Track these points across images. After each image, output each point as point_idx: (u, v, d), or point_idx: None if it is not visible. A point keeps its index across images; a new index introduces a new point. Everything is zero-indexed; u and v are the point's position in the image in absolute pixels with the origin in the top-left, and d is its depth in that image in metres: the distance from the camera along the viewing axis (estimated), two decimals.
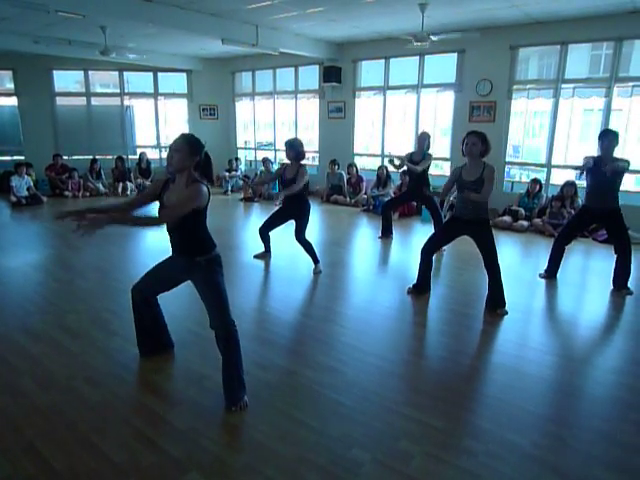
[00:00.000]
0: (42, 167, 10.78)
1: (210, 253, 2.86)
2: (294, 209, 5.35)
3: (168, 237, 2.93)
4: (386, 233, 7.14)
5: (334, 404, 2.88)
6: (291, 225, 5.41)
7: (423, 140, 6.41)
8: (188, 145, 2.72)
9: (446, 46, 8.15)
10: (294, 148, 5.22)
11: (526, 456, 2.44)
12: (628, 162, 4.69)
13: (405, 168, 6.54)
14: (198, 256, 2.83)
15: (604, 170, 4.55)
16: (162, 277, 3.15)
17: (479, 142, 4.10)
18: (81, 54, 9.73)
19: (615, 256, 4.99)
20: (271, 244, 5.90)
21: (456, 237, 4.59)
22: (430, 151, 6.45)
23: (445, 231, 4.65)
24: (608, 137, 4.68)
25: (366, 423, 2.70)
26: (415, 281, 4.78)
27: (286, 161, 5.47)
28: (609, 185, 4.72)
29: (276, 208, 5.74)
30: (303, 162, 5.31)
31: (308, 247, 5.44)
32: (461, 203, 4.30)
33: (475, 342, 3.87)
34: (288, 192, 5.13)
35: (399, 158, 6.54)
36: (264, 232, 5.74)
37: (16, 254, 6.08)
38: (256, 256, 5.94)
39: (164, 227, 2.92)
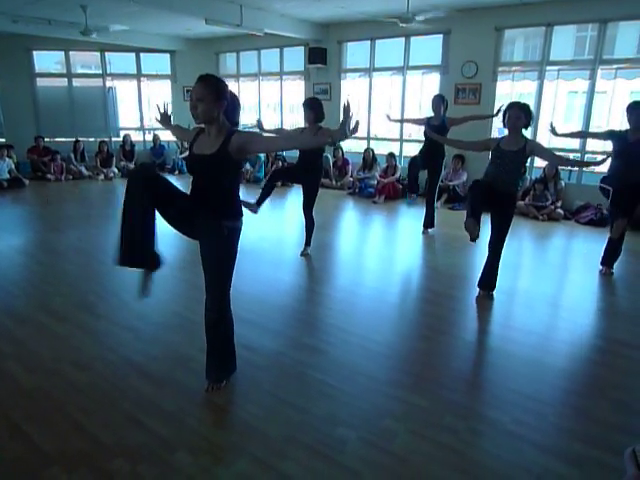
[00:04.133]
0: (23, 149, 10.60)
1: (237, 220, 2.61)
2: (306, 174, 5.06)
3: (192, 197, 2.60)
4: (413, 190, 6.64)
5: (320, 384, 2.92)
6: (279, 209, 5.39)
7: (438, 104, 6.05)
8: (211, 91, 2.39)
9: (432, 27, 8.10)
10: (314, 109, 4.87)
11: (507, 432, 2.50)
12: None
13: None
14: (226, 220, 2.55)
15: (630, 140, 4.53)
16: (180, 210, 2.61)
17: (523, 115, 3.94)
18: (61, 34, 9.49)
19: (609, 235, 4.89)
20: (255, 225, 5.66)
21: (487, 201, 4.05)
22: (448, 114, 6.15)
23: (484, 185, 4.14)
24: (637, 111, 4.57)
25: (351, 402, 2.75)
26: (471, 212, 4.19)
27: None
28: (636, 157, 4.56)
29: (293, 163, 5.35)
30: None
31: (310, 225, 5.30)
32: (494, 175, 4.09)
33: (458, 323, 3.94)
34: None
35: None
36: (273, 178, 5.33)
37: None
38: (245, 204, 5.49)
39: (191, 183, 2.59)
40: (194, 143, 2.60)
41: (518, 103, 4.04)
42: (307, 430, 2.50)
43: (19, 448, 2.34)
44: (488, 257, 4.26)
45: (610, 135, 4.84)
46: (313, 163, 5.05)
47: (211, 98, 2.39)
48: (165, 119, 3.23)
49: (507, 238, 4.15)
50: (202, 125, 2.57)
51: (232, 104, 2.54)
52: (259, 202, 5.22)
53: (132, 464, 2.25)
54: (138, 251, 2.61)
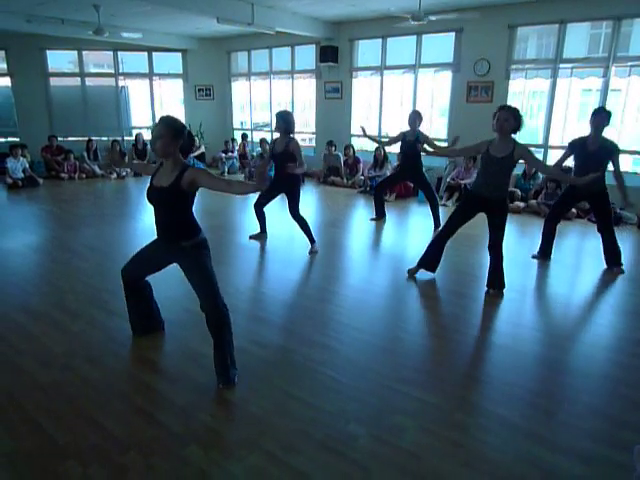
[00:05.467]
0: (37, 148, 10.73)
1: (196, 237, 2.85)
2: (284, 183, 5.31)
3: (154, 221, 2.94)
4: (379, 214, 7.10)
5: (330, 380, 2.94)
6: (286, 206, 5.42)
7: (414, 119, 6.28)
8: (169, 129, 2.68)
9: (443, 25, 8.07)
10: (284, 120, 5.22)
11: (516, 429, 2.50)
12: (618, 150, 4.74)
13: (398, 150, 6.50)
14: (184, 241, 2.83)
15: (590, 150, 4.62)
16: (148, 260, 3.16)
17: (511, 118, 3.93)
18: (74, 33, 9.61)
19: (600, 236, 5.04)
20: (267, 224, 5.91)
21: (473, 215, 4.38)
22: (421, 129, 6.34)
23: (463, 210, 4.43)
24: (599, 116, 4.67)
25: (361, 399, 2.76)
26: (420, 258, 4.67)
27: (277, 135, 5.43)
28: (595, 165, 4.63)
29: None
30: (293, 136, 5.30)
31: (304, 225, 5.43)
32: (483, 179, 4.16)
33: (469, 321, 3.93)
34: (299, 170, 5.14)
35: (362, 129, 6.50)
36: (258, 209, 5.74)
37: (14, 236, 6.09)
38: (252, 237, 5.95)
39: (152, 211, 2.91)
40: (154, 176, 2.87)
41: (508, 106, 4.07)
42: (318, 426, 2.52)
43: (35, 442, 2.39)
44: (490, 258, 4.34)
45: (571, 148, 4.88)
46: (288, 175, 5.20)
47: (168, 136, 2.67)
48: (118, 160, 3.43)
49: (518, 237, 4.15)
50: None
51: (188, 140, 2.83)
52: (262, 230, 5.94)
53: (145, 458, 2.28)
54: (147, 321, 3.45)
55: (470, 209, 4.39)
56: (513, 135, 4.03)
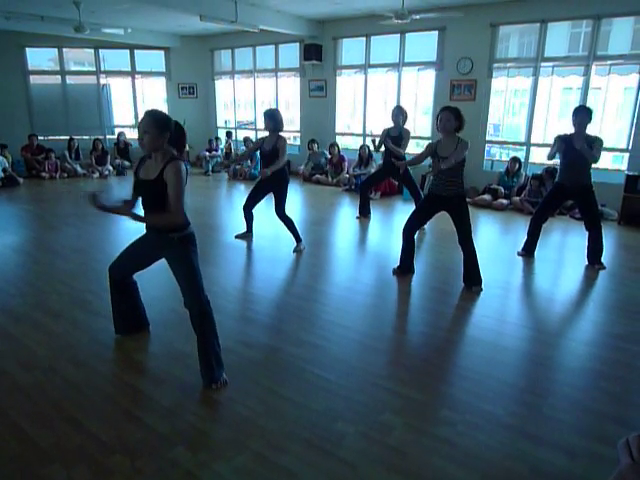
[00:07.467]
0: (17, 148, 10.54)
1: (184, 231, 2.83)
2: (272, 181, 5.31)
3: (143, 213, 2.89)
4: (364, 212, 7.11)
5: (318, 379, 2.94)
6: (272, 205, 5.41)
7: (397, 115, 6.34)
8: (156, 124, 2.68)
9: (427, 24, 8.10)
10: (273, 119, 5.20)
11: (502, 424, 2.53)
12: (600, 140, 4.80)
13: (383, 148, 6.51)
14: (172, 232, 2.81)
15: (576, 146, 4.66)
16: (137, 255, 3.14)
17: (453, 118, 4.13)
18: (54, 31, 9.47)
19: (587, 233, 5.12)
20: (253, 224, 5.89)
21: (434, 213, 4.59)
22: (406, 126, 6.41)
23: (423, 208, 4.64)
24: (581, 113, 4.77)
25: (349, 397, 2.76)
26: (399, 262, 4.80)
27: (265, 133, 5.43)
28: (581, 162, 4.80)
29: (256, 182, 5.74)
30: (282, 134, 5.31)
31: (289, 224, 5.43)
32: (437, 179, 4.33)
33: (455, 318, 3.96)
34: (275, 167, 5.12)
35: (374, 140, 6.47)
36: (247, 209, 5.72)
37: None
38: (237, 236, 5.92)
39: (140, 204, 2.89)
40: (139, 169, 2.87)
41: (449, 107, 4.23)
42: (306, 425, 2.52)
43: (17, 446, 2.34)
44: (463, 256, 4.42)
45: (560, 140, 4.94)
46: (276, 173, 5.22)
47: (155, 130, 2.67)
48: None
49: (502, 234, 4.19)
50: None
51: (178, 132, 2.82)
52: (248, 230, 5.89)
53: (131, 460, 2.25)
54: (131, 321, 3.42)
55: (430, 208, 4.54)
56: (457, 134, 4.22)
